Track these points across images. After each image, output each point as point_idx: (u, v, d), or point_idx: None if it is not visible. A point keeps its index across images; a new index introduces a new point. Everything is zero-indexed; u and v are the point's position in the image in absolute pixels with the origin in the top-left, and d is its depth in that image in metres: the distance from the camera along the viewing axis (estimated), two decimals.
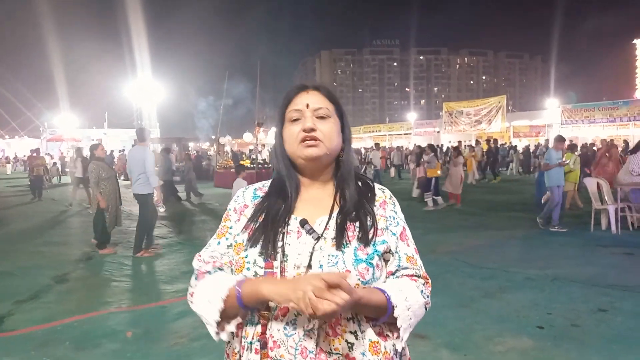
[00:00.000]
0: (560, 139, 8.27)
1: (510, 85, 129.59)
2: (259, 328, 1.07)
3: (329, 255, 1.07)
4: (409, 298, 1.08)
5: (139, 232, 6.76)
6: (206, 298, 1.08)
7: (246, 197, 1.24)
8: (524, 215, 9.57)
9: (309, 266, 1.06)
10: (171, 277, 5.67)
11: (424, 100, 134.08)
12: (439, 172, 11.20)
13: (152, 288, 5.28)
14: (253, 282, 1.05)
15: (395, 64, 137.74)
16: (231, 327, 1.09)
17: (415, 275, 1.15)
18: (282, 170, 1.20)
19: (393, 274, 1.13)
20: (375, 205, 1.17)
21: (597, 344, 3.48)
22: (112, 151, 26.31)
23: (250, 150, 26.23)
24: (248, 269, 1.09)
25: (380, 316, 1.06)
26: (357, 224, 1.12)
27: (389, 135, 43.03)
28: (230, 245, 1.17)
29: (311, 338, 1.03)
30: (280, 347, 1.04)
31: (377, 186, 1.23)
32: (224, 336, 1.09)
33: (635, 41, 52.61)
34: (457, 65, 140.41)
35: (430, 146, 11.79)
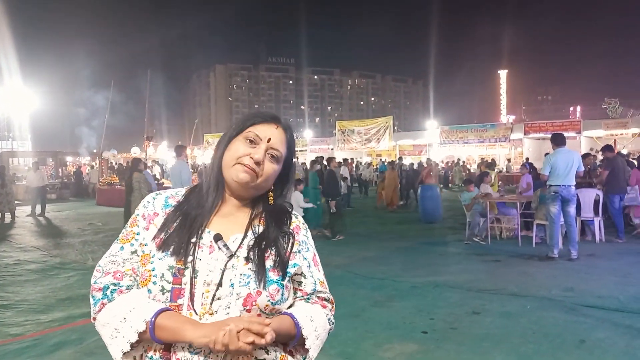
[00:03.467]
0: (469, 182, 9.35)
1: (396, 107, 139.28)
2: (162, 346, 1.04)
3: (241, 274, 1.06)
4: (319, 327, 1.14)
5: None
6: (115, 327, 1.02)
7: (157, 204, 1.17)
8: (408, 227, 10.29)
9: (220, 284, 1.04)
10: (46, 305, 5.11)
11: (318, 118, 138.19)
12: None
13: (21, 319, 4.70)
14: (173, 322, 1.00)
15: (290, 81, 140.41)
16: (137, 353, 1.06)
17: (326, 300, 1.22)
18: (211, 180, 1.17)
19: (308, 295, 1.18)
20: (289, 229, 1.19)
21: (471, 343, 3.85)
22: None
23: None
24: (155, 282, 1.04)
25: (288, 341, 1.10)
26: (273, 245, 1.13)
27: None
28: (135, 251, 1.11)
29: (217, 356, 1.02)
30: None
31: (292, 212, 1.25)
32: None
33: (499, 72, 59.87)
34: (349, 86, 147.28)
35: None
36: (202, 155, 39.12)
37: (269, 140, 1.15)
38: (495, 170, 12.52)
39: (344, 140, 36.51)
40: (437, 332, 4.11)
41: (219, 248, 1.08)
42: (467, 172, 25.84)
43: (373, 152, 34.11)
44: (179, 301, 1.04)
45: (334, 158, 11.50)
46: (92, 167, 24.21)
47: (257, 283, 1.06)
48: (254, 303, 1.05)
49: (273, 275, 1.09)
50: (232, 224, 1.15)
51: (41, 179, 14.36)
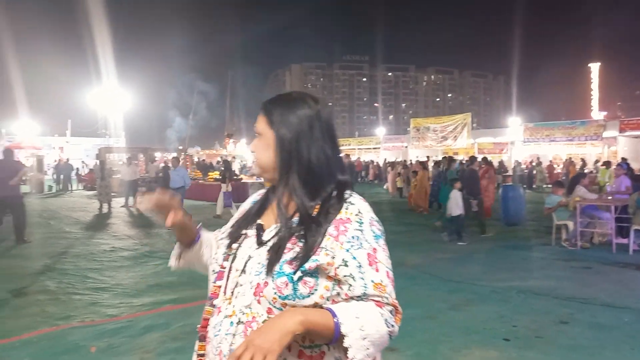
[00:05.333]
0: (558, 185, 8.77)
1: (475, 104, 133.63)
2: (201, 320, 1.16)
3: (257, 264, 1.10)
4: (366, 326, 1.00)
5: None
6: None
7: (249, 200, 1.35)
8: (488, 229, 9.84)
9: (243, 271, 1.12)
10: (137, 290, 5.52)
11: (392, 116, 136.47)
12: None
13: (117, 301, 5.12)
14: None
15: (364, 79, 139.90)
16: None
17: (383, 302, 1.06)
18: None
19: (359, 298, 1.06)
20: (329, 221, 1.09)
21: (559, 354, 3.61)
22: (67, 160, 25.37)
23: (218, 162, 25.95)
24: (213, 264, 1.22)
25: (327, 342, 1.03)
26: (301, 237, 1.08)
27: (358, 149, 43.52)
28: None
29: (227, 341, 1.07)
30: (209, 343, 1.12)
31: (348, 201, 1.13)
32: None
33: (590, 65, 55.41)
34: (424, 83, 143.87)
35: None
36: None
37: (256, 130, 1.22)
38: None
39: (419, 137, 35.71)
40: (520, 340, 3.89)
41: (257, 237, 1.16)
42: (552, 172, 24.23)
43: (449, 150, 33.00)
44: (218, 283, 1.16)
45: (476, 158, 11.49)
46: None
47: (266, 274, 1.06)
48: (261, 294, 1.06)
49: (287, 268, 1.04)
50: (276, 215, 1.20)
51: (134, 173, 15.54)
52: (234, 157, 23.73)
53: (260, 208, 1.25)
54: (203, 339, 1.14)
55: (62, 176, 22.65)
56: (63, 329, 4.20)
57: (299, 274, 1.04)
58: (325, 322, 0.99)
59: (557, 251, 7.63)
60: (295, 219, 1.13)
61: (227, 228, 1.29)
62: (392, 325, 1.05)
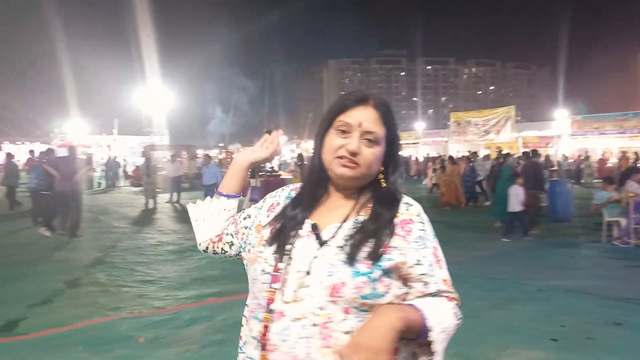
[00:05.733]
0: (608, 181, 8.51)
1: (518, 96, 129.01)
2: (261, 327, 1.08)
3: (328, 264, 1.05)
4: (445, 320, 1.05)
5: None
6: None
7: (282, 195, 1.26)
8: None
9: (308, 272, 1.05)
10: (182, 283, 5.70)
11: (431, 110, 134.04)
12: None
13: (163, 294, 5.30)
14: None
15: (402, 73, 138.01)
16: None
17: (452, 297, 1.12)
18: (312, 174, 1.20)
19: (433, 295, 1.10)
20: (394, 221, 1.11)
21: (611, 357, 3.45)
22: (114, 157, 26.42)
23: None
24: (260, 263, 1.12)
25: (414, 337, 1.03)
26: (371, 237, 1.08)
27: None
28: (249, 227, 1.25)
29: (302, 345, 1.02)
30: (276, 350, 1.04)
31: (404, 202, 1.16)
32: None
33: None
34: (465, 75, 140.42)
35: None
36: None
37: (360, 125, 1.11)
38: None
39: (460, 132, 34.91)
40: (569, 341, 3.75)
41: (315, 238, 1.10)
42: (603, 166, 23.11)
43: (492, 144, 32.10)
44: (274, 286, 1.08)
45: (537, 151, 11.17)
46: (219, 159, 26.30)
47: (343, 274, 1.03)
48: (337, 294, 1.02)
49: (363, 268, 1.03)
50: (335, 214, 1.14)
51: (177, 169, 15.98)
52: None
53: (306, 206, 1.18)
54: (264, 347, 1.07)
55: (110, 173, 23.59)
56: (113, 320, 4.40)
57: (378, 272, 1.04)
58: (416, 318, 1.01)
59: (608, 249, 7.29)
60: (361, 217, 1.12)
61: (254, 222, 1.24)
62: (460, 318, 1.12)
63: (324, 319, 1.02)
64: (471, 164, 14.25)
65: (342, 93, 1.37)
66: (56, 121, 40.09)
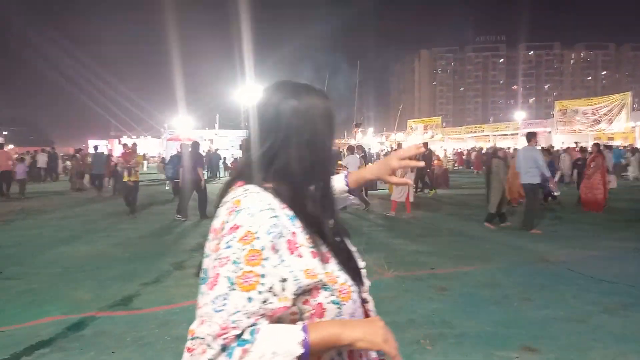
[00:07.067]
0: None
1: (635, 82, 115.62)
2: None
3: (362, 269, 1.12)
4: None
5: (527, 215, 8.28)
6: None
7: (286, 224, 0.95)
8: None
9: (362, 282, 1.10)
10: None
11: (532, 99, 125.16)
12: None
13: None
14: (321, 328, 0.90)
15: (500, 60, 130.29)
16: None
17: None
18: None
19: None
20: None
21: None
22: (215, 150, 28.22)
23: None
24: (351, 292, 0.98)
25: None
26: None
27: (493, 135, 40.78)
28: (266, 300, 0.89)
29: None
30: None
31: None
32: None
33: None
34: (572, 61, 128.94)
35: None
36: (406, 140, 39.56)
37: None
38: None
39: (565, 122, 32.22)
40: None
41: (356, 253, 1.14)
42: None
43: (602, 135, 29.20)
44: (368, 306, 1.10)
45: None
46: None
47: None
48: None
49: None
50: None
51: None
52: (359, 147, 23.99)
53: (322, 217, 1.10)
54: None
55: (211, 165, 25.22)
56: None
57: None
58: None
59: None
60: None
61: (297, 278, 0.93)
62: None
63: None
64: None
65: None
66: (166, 117, 43.82)
